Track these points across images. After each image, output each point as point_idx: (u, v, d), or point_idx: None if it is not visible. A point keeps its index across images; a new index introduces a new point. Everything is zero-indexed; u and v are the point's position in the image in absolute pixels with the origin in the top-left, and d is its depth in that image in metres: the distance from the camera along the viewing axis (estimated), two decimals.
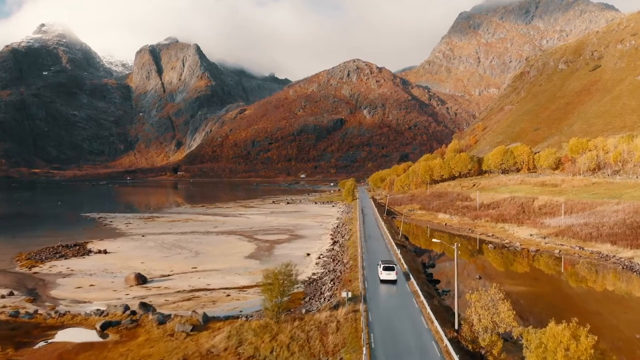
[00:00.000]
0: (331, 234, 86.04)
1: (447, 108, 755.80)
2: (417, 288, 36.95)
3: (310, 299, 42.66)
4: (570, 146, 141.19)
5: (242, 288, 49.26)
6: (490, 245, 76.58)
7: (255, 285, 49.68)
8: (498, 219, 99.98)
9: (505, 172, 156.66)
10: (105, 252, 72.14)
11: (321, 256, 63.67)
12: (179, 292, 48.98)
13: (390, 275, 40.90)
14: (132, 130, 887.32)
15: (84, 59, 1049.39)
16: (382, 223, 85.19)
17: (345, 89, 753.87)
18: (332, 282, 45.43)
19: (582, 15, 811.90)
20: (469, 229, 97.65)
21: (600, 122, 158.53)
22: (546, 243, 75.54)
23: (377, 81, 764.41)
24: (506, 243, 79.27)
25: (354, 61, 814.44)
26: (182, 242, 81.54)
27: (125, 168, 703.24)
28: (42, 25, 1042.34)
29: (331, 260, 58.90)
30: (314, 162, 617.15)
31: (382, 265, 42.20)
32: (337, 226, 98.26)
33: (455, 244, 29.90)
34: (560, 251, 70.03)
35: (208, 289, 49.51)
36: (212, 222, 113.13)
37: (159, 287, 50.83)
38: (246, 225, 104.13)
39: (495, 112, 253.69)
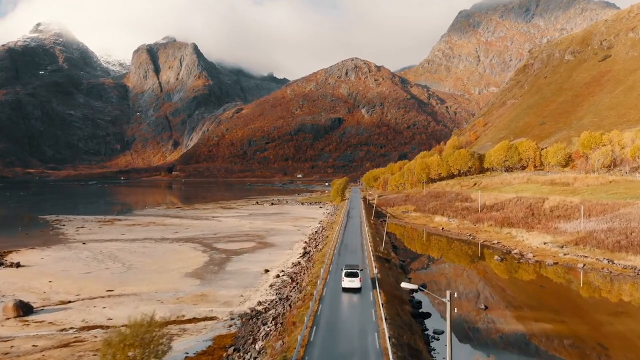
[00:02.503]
0: (306, 242, 72.01)
1: (447, 107, 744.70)
2: (389, 344, 22.85)
3: (235, 350, 28.60)
4: (581, 141, 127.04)
5: None
6: (496, 257, 62.24)
7: (173, 322, 35.70)
8: (503, 223, 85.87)
9: (509, 169, 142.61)
10: (18, 265, 58.11)
11: (281, 274, 49.60)
12: (63, 330, 34.98)
13: (354, 283, 34.99)
14: (129, 129, 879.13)
15: (81, 58, 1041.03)
16: (366, 228, 71.09)
17: (344, 88, 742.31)
18: (273, 323, 31.37)
19: (583, 13, 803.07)
20: (470, 235, 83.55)
21: (613, 115, 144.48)
22: (565, 254, 61.45)
23: (375, 80, 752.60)
24: (515, 253, 65.15)
25: (352, 60, 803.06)
26: (123, 252, 67.54)
27: (121, 168, 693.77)
28: (39, 24, 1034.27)
29: (290, 281, 44.83)
30: (311, 162, 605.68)
31: (345, 271, 35.70)
32: (316, 231, 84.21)
33: (449, 294, 16.01)
34: (584, 265, 55.98)
35: (106, 327, 35.48)
36: (176, 226, 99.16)
37: (41, 323, 36.80)
38: (212, 231, 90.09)
39: (497, 107, 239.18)
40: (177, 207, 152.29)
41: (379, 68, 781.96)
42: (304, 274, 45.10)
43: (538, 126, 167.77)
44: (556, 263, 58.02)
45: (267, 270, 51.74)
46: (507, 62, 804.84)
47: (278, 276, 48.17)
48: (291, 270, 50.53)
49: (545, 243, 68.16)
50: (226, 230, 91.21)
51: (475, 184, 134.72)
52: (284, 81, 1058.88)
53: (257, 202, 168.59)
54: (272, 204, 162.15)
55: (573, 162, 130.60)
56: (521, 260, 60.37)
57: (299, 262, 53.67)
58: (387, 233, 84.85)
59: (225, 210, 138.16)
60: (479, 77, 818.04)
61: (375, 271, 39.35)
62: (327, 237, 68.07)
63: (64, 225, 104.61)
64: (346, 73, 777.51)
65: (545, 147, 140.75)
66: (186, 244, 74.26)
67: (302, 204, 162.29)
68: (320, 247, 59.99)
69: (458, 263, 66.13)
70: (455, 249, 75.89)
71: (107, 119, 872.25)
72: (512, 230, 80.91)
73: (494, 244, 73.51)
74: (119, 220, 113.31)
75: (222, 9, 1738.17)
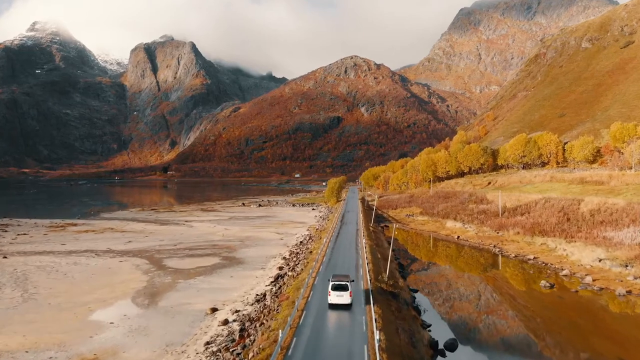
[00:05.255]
0: (285, 258, 55.27)
1: (448, 106, 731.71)
2: None
3: None
4: (612, 133, 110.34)
5: None
6: (543, 282, 44.83)
7: None
8: (534, 231, 69.20)
9: (526, 166, 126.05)
10: None
11: (232, 318, 32.72)
12: None
13: (342, 298, 28.20)
14: (126, 129, 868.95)
15: (78, 57, 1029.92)
16: (364, 241, 54.21)
17: (343, 86, 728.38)
18: None
19: (586, 10, 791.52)
20: (494, 246, 66.85)
21: None
22: (636, 277, 44.71)
23: (375, 78, 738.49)
24: (565, 275, 48.37)
25: (352, 58, 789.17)
26: (43, 271, 50.85)
27: (117, 168, 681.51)
28: (35, 23, 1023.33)
29: (238, 337, 28.05)
30: (309, 162, 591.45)
31: (332, 283, 29.01)
32: (301, 242, 67.43)
33: None
34: None
35: None
36: (135, 233, 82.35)
37: None
38: (174, 240, 73.29)
39: (506, 100, 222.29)
40: (153, 209, 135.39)
41: (378, 66, 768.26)
42: (260, 325, 28.34)
43: (556, 118, 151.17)
44: (629, 292, 41.23)
45: (214, 310, 34.94)
46: (508, 60, 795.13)
47: (226, 322, 31.38)
48: (250, 310, 33.76)
49: (600, 260, 51.44)
50: (192, 239, 74.42)
51: (489, 182, 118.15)
52: (283, 80, 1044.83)
53: (244, 204, 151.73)
54: (260, 205, 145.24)
55: (602, 157, 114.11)
56: (579, 288, 43.33)
57: (264, 296, 36.88)
58: (390, 244, 68.34)
59: (204, 213, 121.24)
60: (480, 76, 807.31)
61: (376, 330, 22.54)
62: (311, 252, 51.31)
63: (6, 230, 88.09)
64: (345, 71, 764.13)
65: (568, 141, 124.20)
66: (132, 259, 57.52)
67: (293, 205, 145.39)
68: (299, 268, 43.23)
69: (489, 288, 49.35)
70: (478, 266, 59.22)
71: (104, 118, 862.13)
72: (548, 240, 64.26)
73: (529, 259, 56.66)
74: (75, 225, 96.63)
75: (220, 7, 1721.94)
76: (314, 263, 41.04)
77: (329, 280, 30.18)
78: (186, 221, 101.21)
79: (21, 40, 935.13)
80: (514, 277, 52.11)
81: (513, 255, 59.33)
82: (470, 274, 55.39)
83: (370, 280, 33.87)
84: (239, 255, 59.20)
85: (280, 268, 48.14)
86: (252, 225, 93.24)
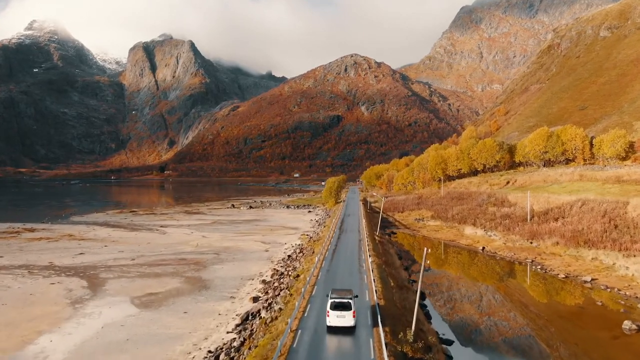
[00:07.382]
0: (265, 282, 41.98)
1: (449, 104, 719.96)
2: None
3: None
4: None
5: None
6: (627, 323, 31.39)
7: None
8: (577, 241, 56.12)
9: (548, 164, 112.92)
10: None
11: None
12: None
13: (344, 319, 23.37)
14: (124, 128, 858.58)
15: (76, 56, 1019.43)
16: (370, 259, 40.84)
17: (343, 85, 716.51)
18: None
19: (589, 8, 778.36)
20: (531, 261, 53.68)
21: None
22: None
23: (375, 76, 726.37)
24: None
25: (352, 56, 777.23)
26: None
27: (115, 167, 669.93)
28: (33, 21, 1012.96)
29: None
30: (309, 161, 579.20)
31: (331, 300, 24.12)
32: (289, 256, 54.14)
33: None
34: None
35: None
36: (95, 241, 69.03)
37: None
38: (136, 251, 60.02)
39: (517, 93, 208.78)
40: (132, 211, 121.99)
41: (379, 64, 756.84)
42: None
43: (577, 111, 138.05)
44: None
45: None
46: (510, 58, 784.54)
47: None
48: None
49: None
50: (159, 250, 61.16)
51: (508, 182, 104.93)
52: (282, 79, 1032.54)
53: (233, 205, 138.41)
54: (251, 207, 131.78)
55: (635, 153, 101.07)
56: None
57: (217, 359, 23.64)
58: (397, 253, 55.13)
59: (186, 216, 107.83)
60: (482, 74, 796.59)
61: None
62: (299, 275, 38.02)
63: None
64: (345, 69, 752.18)
65: (594, 136, 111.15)
66: (68, 280, 44.29)
67: (288, 207, 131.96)
68: (278, 306, 29.91)
69: (546, 331, 36.08)
70: (519, 290, 45.96)
71: (102, 117, 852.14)
72: (598, 253, 51.15)
73: (585, 281, 43.36)
74: (32, 230, 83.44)
75: (219, 6, 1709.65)
76: (297, 300, 27.84)
77: (327, 296, 25.77)
78: (161, 226, 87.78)
79: (19, 39, 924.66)
80: (578, 310, 38.85)
81: (562, 276, 45.86)
82: (510, 309, 42.00)
83: (382, 329, 20.64)
84: (207, 275, 45.91)
85: (255, 299, 34.98)
86: (236, 231, 79.87)
